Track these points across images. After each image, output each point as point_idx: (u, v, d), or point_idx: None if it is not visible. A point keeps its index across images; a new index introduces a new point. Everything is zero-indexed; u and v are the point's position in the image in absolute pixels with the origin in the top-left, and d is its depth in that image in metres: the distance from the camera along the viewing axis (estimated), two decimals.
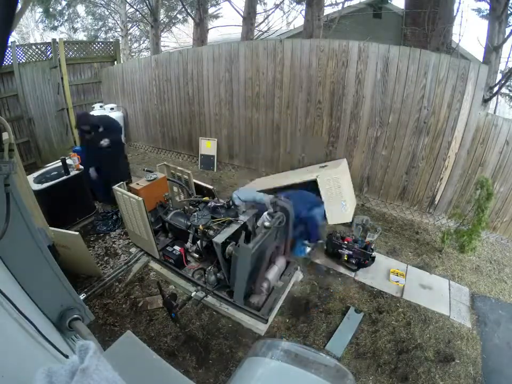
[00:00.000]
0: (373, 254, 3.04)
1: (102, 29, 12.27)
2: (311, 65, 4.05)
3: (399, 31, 5.74)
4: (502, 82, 4.88)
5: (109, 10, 11.34)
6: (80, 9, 11.36)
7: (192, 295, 2.51)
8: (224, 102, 5.03)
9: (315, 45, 3.98)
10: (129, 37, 12.06)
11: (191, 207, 2.95)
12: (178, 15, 11.41)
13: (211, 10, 9.33)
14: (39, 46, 5.72)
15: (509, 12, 5.34)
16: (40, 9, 9.82)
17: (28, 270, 0.88)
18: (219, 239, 2.30)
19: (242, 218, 2.55)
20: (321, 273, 3.07)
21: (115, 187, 2.83)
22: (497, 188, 3.55)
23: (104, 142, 3.78)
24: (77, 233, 2.70)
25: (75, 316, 0.96)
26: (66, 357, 0.81)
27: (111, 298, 2.75)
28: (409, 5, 5.13)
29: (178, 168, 3.23)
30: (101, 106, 6.41)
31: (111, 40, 10.66)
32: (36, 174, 3.52)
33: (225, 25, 9.63)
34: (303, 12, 6.53)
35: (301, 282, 2.94)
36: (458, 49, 5.63)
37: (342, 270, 3.11)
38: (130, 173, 4.49)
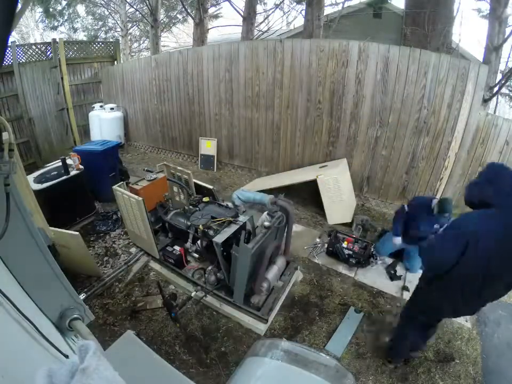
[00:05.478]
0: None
1: (102, 29, 12.27)
2: (311, 65, 4.05)
3: (399, 31, 5.73)
4: (502, 82, 4.88)
5: (109, 10, 11.34)
6: (80, 9, 11.37)
7: (192, 295, 2.51)
8: (224, 102, 5.03)
9: (315, 45, 3.98)
10: (129, 37, 12.04)
11: (191, 207, 2.94)
12: (178, 15, 11.41)
13: (211, 10, 9.30)
14: (39, 46, 5.72)
15: (508, 12, 5.35)
16: (40, 9, 9.83)
17: (28, 270, 0.88)
18: (219, 239, 2.30)
19: (242, 218, 2.55)
20: (321, 273, 3.07)
21: (115, 187, 2.83)
22: None
23: None
24: (77, 233, 2.70)
25: (75, 315, 0.96)
26: (67, 357, 0.81)
27: (111, 298, 2.75)
28: (409, 5, 5.13)
29: (178, 168, 3.22)
30: (101, 106, 6.42)
31: (111, 40, 10.67)
32: (36, 174, 3.52)
33: (225, 25, 9.56)
34: (303, 12, 6.53)
35: (301, 282, 2.94)
36: (458, 49, 5.63)
37: (342, 270, 3.11)
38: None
